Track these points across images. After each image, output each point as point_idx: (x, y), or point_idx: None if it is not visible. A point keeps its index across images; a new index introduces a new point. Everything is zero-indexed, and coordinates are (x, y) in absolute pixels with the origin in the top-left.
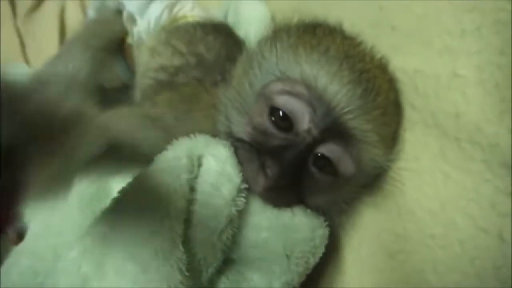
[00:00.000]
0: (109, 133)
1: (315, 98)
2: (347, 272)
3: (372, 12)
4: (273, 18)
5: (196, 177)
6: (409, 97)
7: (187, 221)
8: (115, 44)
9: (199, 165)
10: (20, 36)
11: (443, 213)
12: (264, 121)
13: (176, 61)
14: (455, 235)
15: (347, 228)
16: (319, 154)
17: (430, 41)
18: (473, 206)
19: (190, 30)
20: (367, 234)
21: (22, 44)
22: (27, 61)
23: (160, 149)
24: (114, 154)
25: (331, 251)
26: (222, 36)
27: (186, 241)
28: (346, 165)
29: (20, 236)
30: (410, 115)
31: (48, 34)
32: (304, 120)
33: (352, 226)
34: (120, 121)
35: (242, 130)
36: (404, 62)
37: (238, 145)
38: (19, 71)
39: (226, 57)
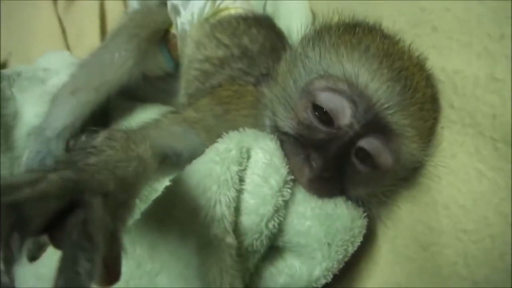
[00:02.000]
0: (158, 152)
1: (356, 95)
2: (380, 261)
3: (413, 13)
4: (313, 12)
5: (245, 169)
6: (448, 96)
7: (237, 210)
8: (159, 35)
9: (248, 157)
10: (60, 23)
11: (476, 209)
12: (309, 116)
13: (221, 52)
14: (487, 231)
15: (385, 219)
16: (360, 147)
17: (470, 43)
18: (505, 204)
19: (233, 23)
20: (403, 226)
21: (63, 31)
22: (68, 48)
23: (202, 150)
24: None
25: (368, 241)
26: (264, 29)
27: (236, 229)
28: (385, 158)
29: None
30: (448, 114)
31: (89, 21)
32: (346, 115)
33: (389, 218)
34: (164, 134)
35: (287, 124)
36: (444, 62)
37: (284, 138)
38: (63, 59)
39: (270, 49)
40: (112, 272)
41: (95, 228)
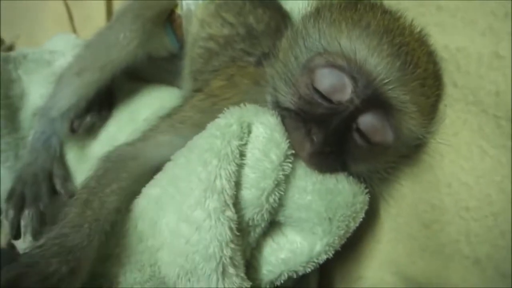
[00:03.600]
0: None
1: (355, 71)
2: (383, 239)
3: None
4: None
5: (246, 144)
6: (451, 74)
7: (238, 184)
8: (164, 15)
9: (249, 132)
10: (67, 6)
11: (478, 187)
12: (310, 91)
13: (226, 31)
14: (489, 208)
15: (387, 197)
16: (361, 122)
17: (474, 21)
18: (507, 182)
19: (239, 3)
20: (405, 204)
21: (70, 14)
22: (74, 31)
23: None
24: None
25: (370, 219)
26: (270, 9)
27: (236, 203)
28: (386, 134)
29: (72, 197)
30: (451, 92)
31: (95, 4)
32: (346, 91)
33: (391, 196)
34: (152, 145)
35: (288, 100)
36: (448, 40)
37: (285, 114)
38: (69, 41)
39: (275, 29)
40: None
41: None
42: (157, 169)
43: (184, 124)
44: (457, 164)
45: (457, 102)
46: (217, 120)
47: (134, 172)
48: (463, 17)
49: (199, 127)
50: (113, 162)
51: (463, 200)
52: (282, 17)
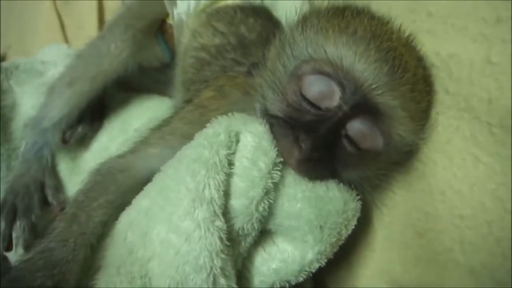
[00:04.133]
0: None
1: (343, 77)
2: (376, 248)
3: None
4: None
5: (234, 152)
6: (443, 81)
7: (227, 193)
8: (156, 25)
9: (237, 141)
10: (59, 16)
11: (472, 194)
12: (298, 98)
13: (217, 40)
14: (483, 216)
15: (380, 205)
16: (350, 129)
17: (465, 27)
18: (501, 189)
19: (230, 12)
20: (398, 212)
21: (62, 25)
22: (66, 41)
23: None
24: None
25: (363, 227)
26: (262, 19)
27: (226, 212)
28: (375, 140)
29: (63, 209)
30: (443, 99)
31: (87, 14)
32: (334, 98)
33: (385, 204)
34: (141, 158)
35: (277, 107)
36: (439, 47)
37: (273, 121)
38: (61, 52)
39: (267, 39)
40: None
41: None
42: (147, 180)
43: (173, 135)
44: (450, 172)
45: (449, 109)
46: (205, 129)
47: (122, 185)
48: (454, 23)
49: (189, 138)
50: (102, 176)
51: (457, 208)
52: (274, 26)
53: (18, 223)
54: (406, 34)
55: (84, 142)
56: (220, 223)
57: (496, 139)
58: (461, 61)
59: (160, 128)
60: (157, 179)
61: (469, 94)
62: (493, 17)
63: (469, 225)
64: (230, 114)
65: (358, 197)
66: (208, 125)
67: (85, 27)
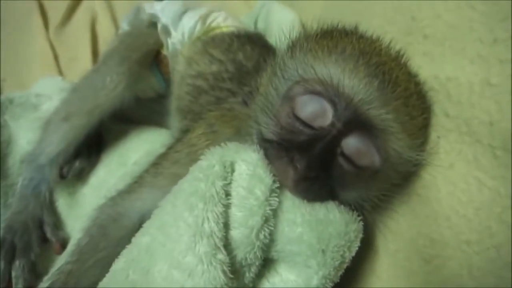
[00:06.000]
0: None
1: (333, 94)
2: (382, 276)
3: (404, 21)
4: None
5: (230, 183)
6: (443, 104)
7: (226, 225)
8: (151, 56)
9: (232, 170)
10: (53, 48)
11: (477, 219)
12: (291, 120)
13: (215, 67)
14: (490, 241)
15: (382, 228)
16: (345, 146)
17: (463, 49)
18: (507, 213)
19: (226, 40)
20: (404, 239)
21: (55, 56)
22: (60, 73)
23: None
24: None
25: (368, 255)
26: (258, 46)
27: (227, 244)
28: (372, 156)
29: (63, 246)
30: (443, 122)
31: (81, 45)
32: (327, 116)
33: (389, 230)
34: (134, 200)
35: (271, 131)
36: (437, 70)
37: (267, 146)
38: (55, 84)
39: (262, 67)
40: None
41: None
42: (139, 226)
43: (164, 177)
44: (455, 197)
45: (450, 133)
46: (199, 162)
47: (115, 238)
48: (451, 45)
49: (181, 178)
50: (97, 227)
51: (463, 233)
52: (269, 53)
53: (17, 262)
54: (396, 50)
55: (82, 176)
56: (222, 255)
57: (499, 162)
58: (460, 84)
59: (153, 168)
60: (156, 215)
61: (469, 117)
62: (489, 38)
63: (477, 250)
64: (222, 144)
65: (360, 218)
66: (201, 157)
67: (79, 58)
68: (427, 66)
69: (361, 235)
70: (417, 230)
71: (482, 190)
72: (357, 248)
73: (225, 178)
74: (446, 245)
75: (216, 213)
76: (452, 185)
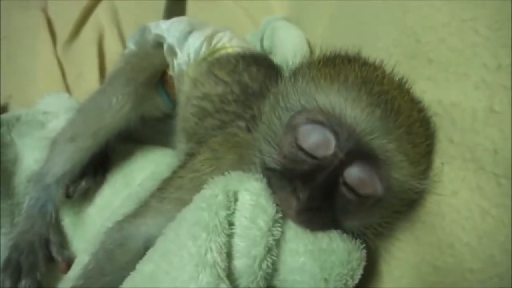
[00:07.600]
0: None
1: (336, 124)
2: None
3: (408, 44)
4: (310, 48)
5: (233, 212)
6: (447, 130)
7: (229, 254)
8: (157, 77)
9: (235, 200)
10: (60, 64)
11: (481, 247)
12: (294, 149)
13: (220, 89)
14: (494, 270)
15: (385, 255)
16: (348, 176)
17: (466, 74)
18: (511, 242)
19: (232, 61)
20: (408, 266)
21: (63, 73)
22: (67, 89)
23: None
24: None
25: (373, 282)
26: (264, 68)
27: (230, 273)
28: (374, 185)
29: (69, 265)
30: (448, 149)
31: (88, 62)
32: (330, 146)
33: (393, 257)
34: (138, 225)
35: (274, 160)
36: (441, 95)
37: (270, 175)
38: (62, 102)
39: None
40: None
41: None
42: (144, 250)
43: (170, 203)
44: (459, 224)
45: (454, 159)
46: (202, 191)
47: (121, 262)
48: (455, 70)
49: (185, 205)
50: (103, 251)
51: (467, 261)
52: (274, 77)
53: (23, 281)
54: (399, 77)
55: (87, 196)
56: (225, 286)
57: (503, 191)
58: (463, 110)
59: (158, 192)
60: (159, 242)
61: (473, 144)
62: (494, 63)
63: (480, 279)
64: (226, 173)
65: (363, 245)
66: (205, 186)
67: (86, 76)
68: (431, 91)
69: (364, 263)
70: (421, 257)
71: (486, 218)
72: (360, 276)
73: (228, 208)
74: (449, 273)
75: (219, 243)
76: (456, 212)
